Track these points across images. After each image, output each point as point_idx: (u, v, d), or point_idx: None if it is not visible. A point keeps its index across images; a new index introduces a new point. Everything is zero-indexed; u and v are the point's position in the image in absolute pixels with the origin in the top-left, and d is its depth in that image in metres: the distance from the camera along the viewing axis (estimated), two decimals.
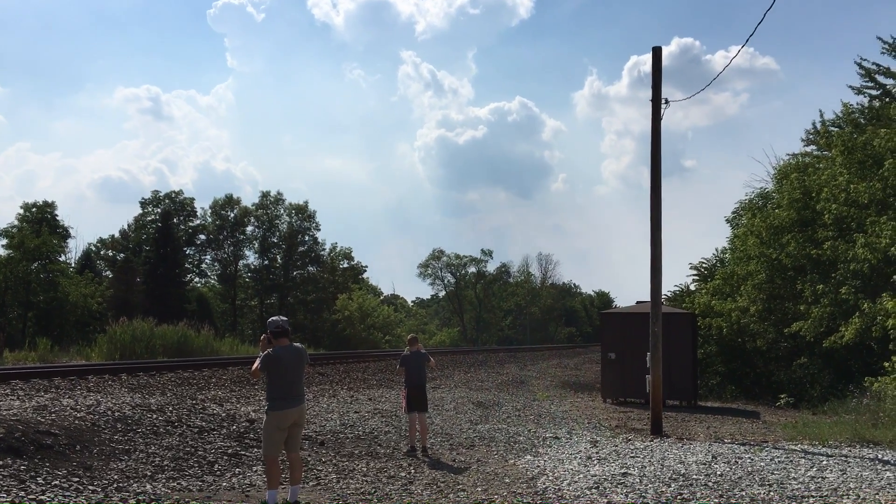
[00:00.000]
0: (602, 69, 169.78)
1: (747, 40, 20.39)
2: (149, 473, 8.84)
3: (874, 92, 26.53)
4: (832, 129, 27.09)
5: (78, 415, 10.75)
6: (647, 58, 17.57)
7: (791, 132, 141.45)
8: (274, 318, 8.00)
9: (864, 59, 26.39)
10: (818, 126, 28.48)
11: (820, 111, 40.56)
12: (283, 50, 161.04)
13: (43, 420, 10.00)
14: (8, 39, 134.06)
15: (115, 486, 8.12)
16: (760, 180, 54.11)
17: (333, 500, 8.26)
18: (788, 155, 30.25)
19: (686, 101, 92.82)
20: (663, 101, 15.58)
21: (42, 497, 7.31)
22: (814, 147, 28.60)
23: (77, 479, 8.09)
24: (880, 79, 26.28)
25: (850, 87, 26.96)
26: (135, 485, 8.28)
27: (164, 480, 8.66)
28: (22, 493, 7.30)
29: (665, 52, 16.00)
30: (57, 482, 7.86)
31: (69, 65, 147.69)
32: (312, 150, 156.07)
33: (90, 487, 7.90)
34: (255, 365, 7.79)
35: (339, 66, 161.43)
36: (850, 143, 21.48)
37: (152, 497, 7.87)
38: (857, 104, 26.71)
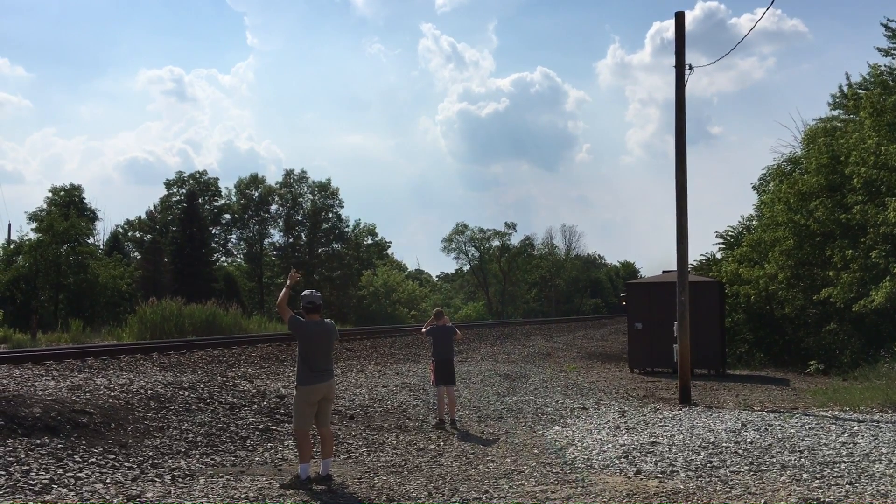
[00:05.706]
0: (624, 37, 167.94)
1: (773, 1, 19.97)
2: (183, 450, 8.98)
3: None
4: (860, 91, 26.52)
5: (112, 394, 10.93)
6: (670, 23, 17.32)
7: (819, 96, 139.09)
8: (306, 292, 7.99)
9: (892, 21, 25.75)
10: (845, 89, 27.94)
11: (846, 74, 39.66)
12: (302, 26, 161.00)
13: (78, 399, 10.17)
14: (32, 25, 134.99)
15: (150, 462, 8.26)
16: (787, 146, 53.34)
17: (364, 472, 8.34)
18: (816, 119, 29.74)
19: (711, 66, 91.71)
20: (687, 67, 15.36)
21: (80, 474, 7.46)
22: (841, 111, 28.09)
23: (113, 457, 8.24)
24: None
25: (878, 48, 26.38)
26: (169, 461, 8.42)
27: (197, 456, 8.80)
28: (60, 471, 7.45)
29: (689, 16, 15.79)
30: (93, 459, 8.01)
31: (92, 49, 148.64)
32: (334, 127, 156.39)
33: (126, 464, 8.05)
34: (281, 297, 7.95)
35: (359, 42, 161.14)
36: (879, 105, 21.05)
37: (187, 472, 8.00)
38: (885, 66, 26.14)
